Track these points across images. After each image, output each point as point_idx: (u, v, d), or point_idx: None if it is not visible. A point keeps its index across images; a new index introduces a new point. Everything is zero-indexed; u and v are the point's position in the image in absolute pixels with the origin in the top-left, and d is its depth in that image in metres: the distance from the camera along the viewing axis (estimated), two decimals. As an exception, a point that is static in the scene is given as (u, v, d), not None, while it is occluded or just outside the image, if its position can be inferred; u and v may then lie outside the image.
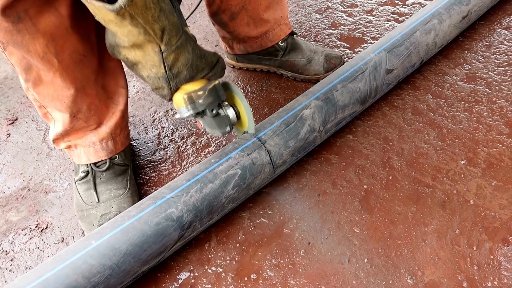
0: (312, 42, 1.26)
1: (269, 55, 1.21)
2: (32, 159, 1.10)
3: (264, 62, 1.24)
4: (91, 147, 0.93)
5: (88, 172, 0.94)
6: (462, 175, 0.93)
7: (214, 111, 0.77)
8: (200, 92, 0.74)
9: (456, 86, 1.12)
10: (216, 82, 0.77)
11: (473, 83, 1.12)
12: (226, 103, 0.81)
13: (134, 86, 1.29)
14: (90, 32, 0.82)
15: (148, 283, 0.83)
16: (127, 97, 0.96)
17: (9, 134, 1.18)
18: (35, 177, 1.06)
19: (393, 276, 0.79)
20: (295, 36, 1.22)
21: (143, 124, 1.16)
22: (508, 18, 1.29)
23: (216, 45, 1.43)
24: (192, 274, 0.84)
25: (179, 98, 0.75)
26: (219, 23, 1.14)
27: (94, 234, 0.74)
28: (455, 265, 0.79)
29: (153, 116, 1.18)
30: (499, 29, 1.26)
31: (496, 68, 1.14)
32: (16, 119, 1.22)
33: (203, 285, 0.82)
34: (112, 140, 0.95)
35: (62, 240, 0.93)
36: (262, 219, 0.91)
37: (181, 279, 0.83)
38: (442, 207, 0.88)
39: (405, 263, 0.81)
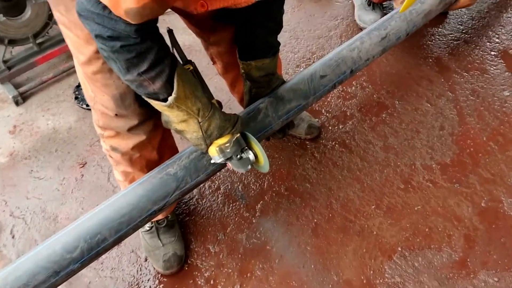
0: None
1: None
2: (103, 195, 1.68)
3: None
4: None
5: (152, 227, 1.48)
6: (372, 215, 1.57)
7: (238, 156, 1.09)
8: (227, 144, 1.07)
9: (376, 153, 1.75)
10: (238, 135, 1.10)
11: (387, 151, 1.76)
12: (246, 147, 1.12)
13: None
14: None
15: (184, 272, 1.44)
16: None
17: (83, 175, 1.75)
18: (107, 207, 1.64)
19: (327, 275, 1.44)
20: None
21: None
22: (421, 99, 1.93)
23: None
24: (213, 273, 1.46)
25: (213, 150, 1.08)
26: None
27: (125, 188, 1.17)
28: (360, 270, 1.44)
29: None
30: (411, 110, 1.90)
31: (404, 141, 1.78)
32: (86, 163, 1.78)
33: (221, 280, 1.44)
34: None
35: (133, 251, 1.53)
36: (254, 239, 1.54)
37: (206, 275, 1.45)
38: (358, 235, 1.53)
39: (334, 268, 1.45)
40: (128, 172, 1.34)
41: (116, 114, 1.17)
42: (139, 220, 1.18)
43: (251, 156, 1.13)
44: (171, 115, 1.03)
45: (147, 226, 1.50)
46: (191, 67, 1.15)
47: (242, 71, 1.33)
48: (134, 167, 1.33)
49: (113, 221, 1.13)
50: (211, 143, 1.08)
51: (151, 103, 1.02)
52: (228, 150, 1.07)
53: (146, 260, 1.51)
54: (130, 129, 1.21)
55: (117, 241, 1.16)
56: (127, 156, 1.29)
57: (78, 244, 1.08)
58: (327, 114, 1.92)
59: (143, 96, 1.02)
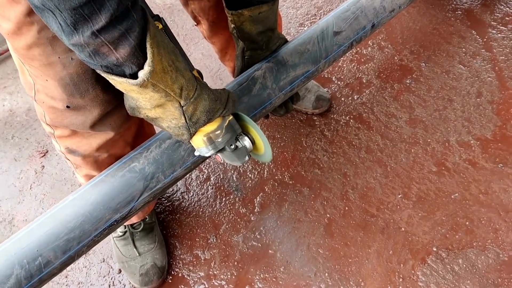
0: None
1: None
2: (68, 190, 1.38)
3: None
4: None
5: (126, 232, 1.20)
6: (398, 207, 1.27)
7: (233, 146, 0.82)
8: (218, 132, 0.79)
9: (401, 128, 1.43)
10: (230, 117, 0.82)
11: (414, 125, 1.43)
12: (242, 133, 0.85)
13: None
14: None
15: (167, 286, 1.16)
16: None
17: (43, 166, 1.44)
18: (73, 206, 1.35)
19: (345, 285, 1.15)
20: None
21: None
22: (452, 60, 1.59)
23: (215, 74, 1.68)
24: (203, 285, 1.17)
25: (199, 140, 0.80)
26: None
27: (74, 192, 0.89)
28: (387, 278, 1.15)
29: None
30: (441, 73, 1.56)
31: (433, 112, 1.46)
32: (47, 152, 1.48)
33: (213, 295, 1.16)
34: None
35: (103, 260, 1.24)
36: (253, 242, 1.24)
37: (197, 290, 1.17)
38: (382, 232, 1.23)
39: (353, 276, 1.16)
40: (94, 176, 1.03)
41: (68, 106, 0.83)
42: (95, 235, 0.89)
43: (247, 143, 0.85)
44: (143, 98, 0.69)
45: (119, 231, 1.20)
46: (161, 25, 0.81)
47: (232, 25, 0.98)
48: (101, 169, 1.00)
49: (58, 238, 0.85)
50: (195, 132, 0.78)
51: (111, 81, 0.67)
52: (219, 140, 0.80)
53: (120, 272, 1.22)
54: (93, 126, 0.88)
55: (67, 263, 0.89)
56: (90, 158, 0.98)
57: (11, 272, 0.82)
58: (339, 82, 1.58)
59: (98, 70, 0.66)
